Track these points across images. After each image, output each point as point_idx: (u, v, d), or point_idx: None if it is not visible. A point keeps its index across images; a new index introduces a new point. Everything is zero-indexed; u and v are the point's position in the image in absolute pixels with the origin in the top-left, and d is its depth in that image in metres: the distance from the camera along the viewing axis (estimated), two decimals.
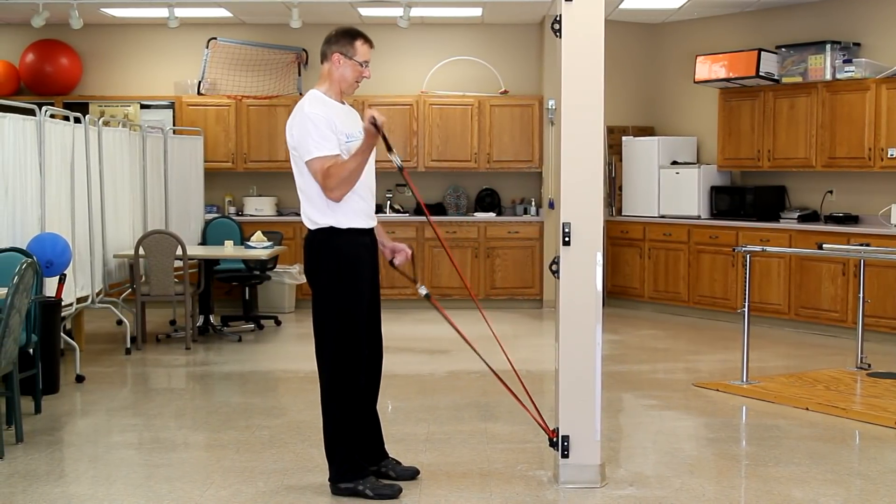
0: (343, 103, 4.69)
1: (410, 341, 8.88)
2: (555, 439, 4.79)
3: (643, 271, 10.82)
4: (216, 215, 10.91)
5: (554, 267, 4.77)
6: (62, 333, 7.25)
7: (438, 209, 11.24)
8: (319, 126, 4.46)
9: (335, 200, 4.49)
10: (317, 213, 4.56)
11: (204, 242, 10.32)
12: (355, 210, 4.57)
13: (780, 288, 9.55)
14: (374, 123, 4.36)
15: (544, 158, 11.16)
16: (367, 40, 4.66)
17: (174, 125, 11.05)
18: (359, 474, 4.63)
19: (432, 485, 4.81)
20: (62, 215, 7.69)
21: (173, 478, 4.97)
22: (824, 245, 8.09)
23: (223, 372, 7.74)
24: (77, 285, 7.87)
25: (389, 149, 4.52)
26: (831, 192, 9.82)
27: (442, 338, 9.04)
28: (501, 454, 5.34)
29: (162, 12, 9.92)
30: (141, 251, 8.50)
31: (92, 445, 5.66)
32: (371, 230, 4.70)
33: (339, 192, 4.46)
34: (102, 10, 10.39)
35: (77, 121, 8.12)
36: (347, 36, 4.63)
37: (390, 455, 4.94)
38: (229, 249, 9.18)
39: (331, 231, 4.56)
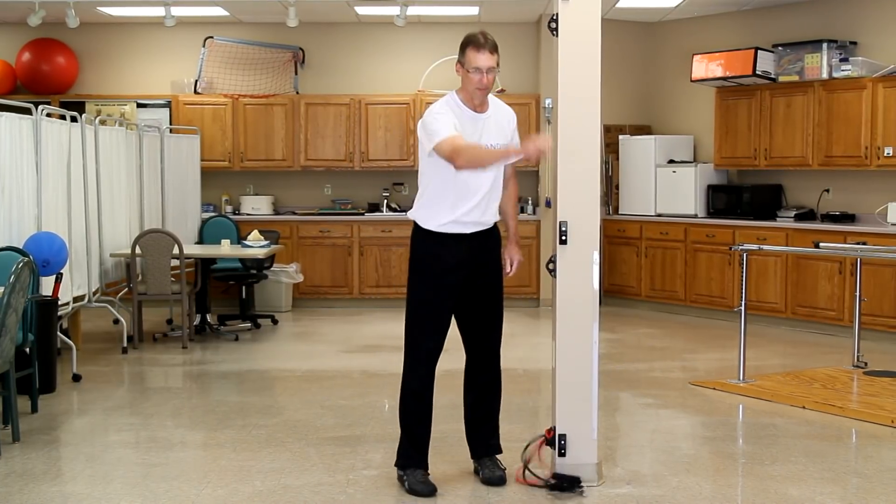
0: (479, 111, 4.67)
1: None
2: (551, 438, 4.79)
3: (640, 270, 10.82)
4: (213, 214, 10.89)
5: (550, 266, 4.77)
6: (59, 332, 7.24)
7: None
8: (440, 119, 4.58)
9: (459, 168, 4.50)
10: (414, 205, 4.74)
11: (201, 241, 10.31)
12: (439, 221, 4.62)
13: (776, 286, 9.56)
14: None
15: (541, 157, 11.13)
16: (478, 45, 4.55)
17: (171, 124, 11.03)
18: (407, 463, 4.74)
19: None
20: (59, 214, 7.68)
21: (170, 477, 4.97)
22: (821, 244, 8.09)
23: (220, 371, 7.74)
24: (74, 284, 7.86)
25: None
26: (828, 190, 9.83)
27: None
28: None
29: (158, 11, 9.92)
30: (137, 250, 8.49)
31: (89, 444, 5.66)
32: (464, 236, 4.65)
33: (464, 165, 4.49)
34: (99, 8, 10.38)
35: (74, 120, 8.11)
36: (462, 44, 4.63)
37: (497, 457, 4.92)
38: (226, 248, 9.17)
39: (416, 226, 4.72)
